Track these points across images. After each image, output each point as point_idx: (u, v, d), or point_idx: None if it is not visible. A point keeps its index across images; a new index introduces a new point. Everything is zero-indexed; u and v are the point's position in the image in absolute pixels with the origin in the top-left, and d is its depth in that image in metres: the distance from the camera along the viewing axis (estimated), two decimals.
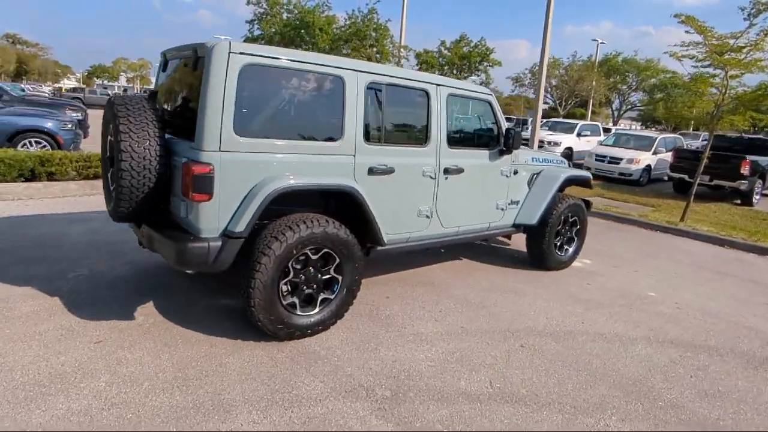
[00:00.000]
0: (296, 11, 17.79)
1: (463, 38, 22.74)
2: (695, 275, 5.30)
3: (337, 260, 3.18)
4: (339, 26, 18.57)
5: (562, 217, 4.86)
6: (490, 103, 4.18)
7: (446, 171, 3.82)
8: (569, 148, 15.95)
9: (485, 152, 4.18)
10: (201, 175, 2.66)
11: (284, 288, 3.05)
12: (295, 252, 2.95)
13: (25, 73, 74.16)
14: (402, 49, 20.67)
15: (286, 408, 2.44)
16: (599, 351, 3.32)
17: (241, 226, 2.78)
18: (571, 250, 5.13)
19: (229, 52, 2.71)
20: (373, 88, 3.33)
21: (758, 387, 3.05)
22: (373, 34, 18.46)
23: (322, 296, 3.20)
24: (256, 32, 18.57)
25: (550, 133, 16.69)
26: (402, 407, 2.53)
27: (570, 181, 5.02)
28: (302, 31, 17.42)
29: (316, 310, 3.18)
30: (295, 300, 3.08)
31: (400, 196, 3.57)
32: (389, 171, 3.44)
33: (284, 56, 2.93)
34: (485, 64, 23.34)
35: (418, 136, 3.70)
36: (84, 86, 57.92)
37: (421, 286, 4.25)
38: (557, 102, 30.42)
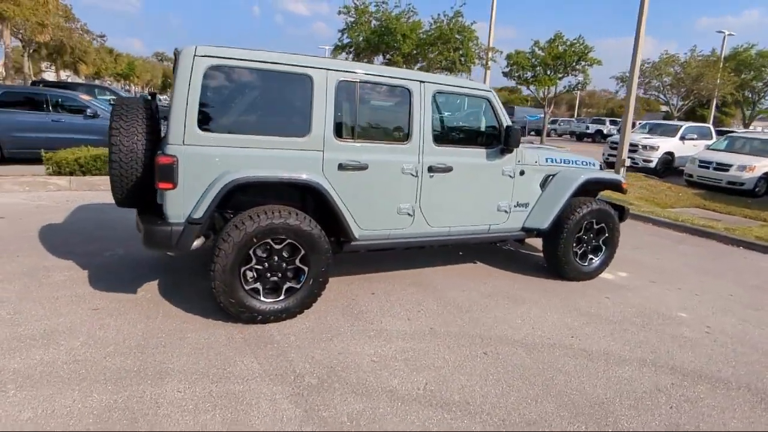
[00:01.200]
0: (383, 19, 18.26)
1: (558, 37, 21.50)
2: (755, 299, 4.49)
3: (302, 251, 3.31)
4: (424, 31, 18.66)
5: (584, 223, 4.46)
6: (488, 100, 4.00)
7: (431, 169, 3.75)
8: (669, 153, 14.27)
9: (481, 151, 4.01)
10: (164, 166, 2.97)
11: (249, 274, 3.25)
12: (255, 240, 3.14)
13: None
14: (490, 51, 20.15)
15: (212, 382, 2.62)
16: (571, 368, 3.02)
17: (199, 213, 3.04)
18: (596, 260, 4.67)
19: (194, 55, 2.99)
20: (345, 86, 3.41)
21: (753, 427, 2.55)
22: (459, 37, 18.22)
23: (287, 285, 3.35)
24: (345, 40, 19.47)
25: (647, 136, 15.08)
26: (319, 396, 2.57)
27: (594, 184, 4.59)
28: (386, 37, 17.82)
29: (281, 298, 3.33)
30: (259, 286, 3.27)
31: (375, 192, 3.59)
32: (362, 167, 3.49)
33: (249, 57, 3.14)
34: (583, 63, 21.82)
35: (398, 133, 3.69)
36: None
37: (415, 287, 4.20)
38: (669, 102, 27.25)
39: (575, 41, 21.14)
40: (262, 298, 3.27)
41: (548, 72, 22.14)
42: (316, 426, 2.33)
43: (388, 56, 19.01)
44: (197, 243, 3.24)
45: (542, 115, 36.20)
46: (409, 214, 3.77)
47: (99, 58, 37.23)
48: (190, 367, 2.76)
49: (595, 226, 4.57)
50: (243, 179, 3.06)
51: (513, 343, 3.29)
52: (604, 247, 4.67)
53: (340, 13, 18.78)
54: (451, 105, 4.08)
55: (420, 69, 19.94)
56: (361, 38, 18.88)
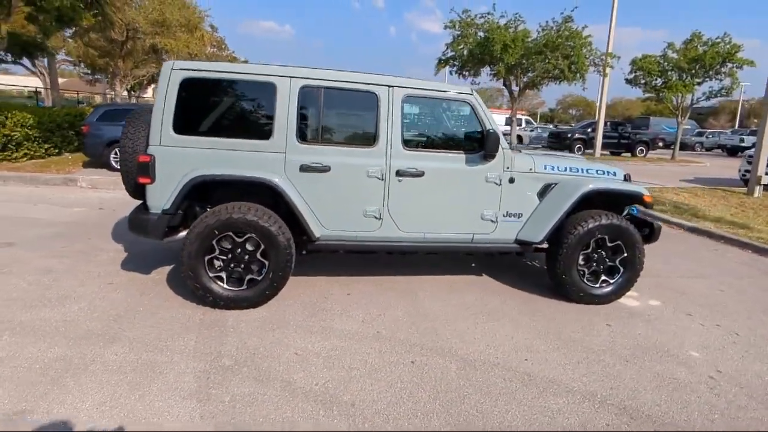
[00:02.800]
0: (488, 30, 17.92)
1: (696, 36, 18.86)
2: None
3: (262, 246, 3.57)
4: (532, 39, 17.84)
5: (593, 240, 3.97)
6: (470, 104, 3.83)
7: (399, 173, 3.73)
8: None
9: (460, 156, 3.85)
10: (143, 163, 3.48)
11: (217, 263, 3.61)
12: (217, 232, 3.49)
13: None
14: (609, 57, 18.47)
15: (147, 351, 2.99)
16: (496, 390, 2.76)
17: (169, 205, 3.49)
18: (612, 282, 4.10)
19: (172, 69, 3.47)
20: (308, 92, 3.60)
21: None
22: (569, 43, 17.06)
23: (249, 276, 3.63)
24: (449, 54, 19.53)
25: None
26: (221, 376, 2.77)
27: (609, 196, 4.06)
28: (488, 48, 17.43)
29: (243, 287, 3.62)
30: (223, 275, 3.61)
31: (337, 194, 3.69)
32: (324, 169, 3.63)
33: (219, 69, 3.53)
34: (730, 65, 18.77)
35: (363, 136, 3.75)
36: None
37: (395, 292, 4.17)
38: None
39: (718, 40, 18.32)
40: (224, 286, 3.60)
41: (683, 77, 19.51)
42: (198, 399, 2.54)
43: (492, 68, 18.62)
44: (183, 234, 3.71)
45: (688, 126, 31.83)
46: (376, 218, 3.79)
47: None
48: (141, 337, 3.18)
49: (609, 244, 4.03)
50: (203, 176, 3.44)
51: (452, 357, 3.11)
52: (621, 269, 4.09)
53: (446, 27, 18.95)
54: (426, 109, 4.00)
55: (529, 79, 19.14)
56: (465, 51, 18.80)
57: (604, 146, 22.04)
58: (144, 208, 3.70)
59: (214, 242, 3.52)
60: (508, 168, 3.93)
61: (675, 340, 3.53)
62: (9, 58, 13.20)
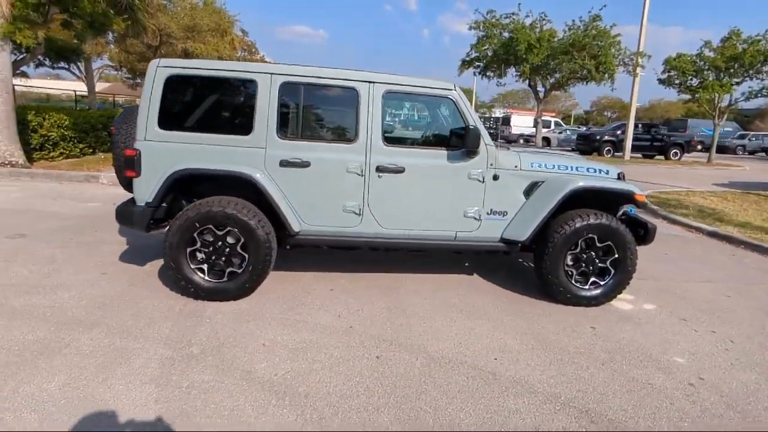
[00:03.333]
0: (513, 30, 17.64)
1: (735, 34, 17.99)
2: None
3: (242, 240, 3.63)
4: (558, 39, 17.45)
5: (581, 240, 3.85)
6: (452, 100, 3.78)
7: (379, 169, 3.72)
8: None
9: (442, 152, 3.80)
10: (129, 157, 3.60)
11: (199, 256, 3.69)
12: (198, 225, 3.57)
13: None
14: (639, 57, 17.86)
15: (121, 338, 3.08)
16: (456, 388, 2.71)
17: (152, 198, 3.60)
18: (602, 284, 3.95)
19: (157, 66, 3.58)
20: (289, 89, 3.64)
21: None
22: (599, 42, 16.59)
23: (230, 269, 3.70)
24: (473, 55, 19.32)
25: None
26: (185, 363, 2.83)
27: (601, 195, 3.92)
28: (512, 49, 17.14)
29: (224, 280, 3.69)
30: (204, 267, 3.69)
31: (317, 189, 3.72)
32: (304, 164, 3.66)
33: (202, 66, 3.62)
34: None
35: (344, 132, 3.76)
36: None
37: (379, 289, 4.15)
38: None
39: (759, 37, 17.43)
40: (206, 277, 3.68)
41: (721, 77, 18.66)
42: (157, 384, 2.60)
43: (517, 69, 18.33)
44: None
45: (730, 129, 30.40)
46: (356, 213, 3.79)
47: None
48: (119, 324, 3.29)
49: (599, 244, 3.89)
50: (183, 170, 3.53)
51: (419, 354, 3.08)
52: (612, 270, 3.94)
53: (470, 28, 18.80)
54: (408, 105, 3.96)
55: (555, 80, 18.73)
56: (489, 52, 18.59)
57: (636, 149, 21.30)
58: (132, 200, 3.83)
59: (195, 235, 3.61)
60: (491, 165, 3.86)
61: (661, 345, 3.37)
62: (47, 62, 13.96)
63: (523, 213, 3.91)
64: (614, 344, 3.35)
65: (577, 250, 3.90)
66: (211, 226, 3.60)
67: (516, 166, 3.91)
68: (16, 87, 18.96)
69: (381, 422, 2.39)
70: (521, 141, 28.97)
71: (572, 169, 4.01)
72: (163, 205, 3.72)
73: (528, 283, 4.44)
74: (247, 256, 3.65)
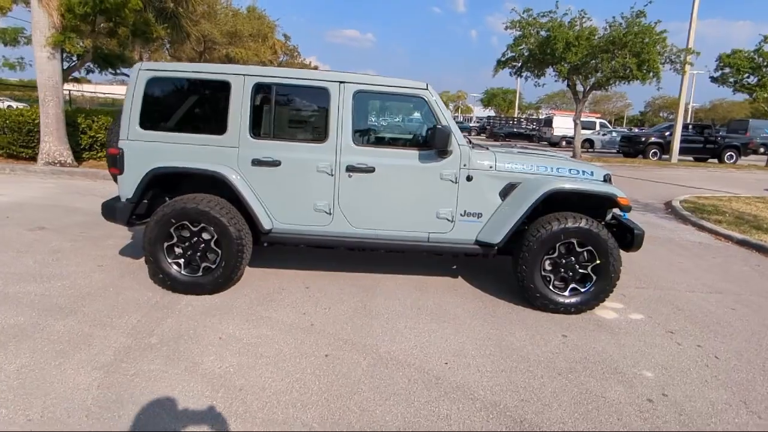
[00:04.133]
0: (550, 28, 17.07)
1: None
2: None
3: (215, 236, 3.74)
4: (598, 36, 16.69)
5: (558, 244, 3.69)
6: (424, 99, 3.72)
7: (349, 169, 3.73)
8: None
9: (413, 152, 3.75)
10: (112, 155, 3.80)
11: (177, 250, 3.84)
12: (173, 221, 3.71)
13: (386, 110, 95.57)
14: (687, 53, 16.80)
15: (91, 325, 3.25)
16: (393, 389, 2.67)
17: (131, 194, 3.78)
18: (582, 291, 3.76)
19: (139, 69, 3.76)
20: (262, 89, 3.72)
21: None
22: (643, 39, 15.71)
23: (204, 264, 3.82)
24: (509, 55, 18.84)
25: None
26: (139, 353, 2.94)
27: (588, 198, 3.74)
28: (548, 48, 16.57)
29: (199, 275, 3.82)
30: (181, 261, 3.83)
31: (288, 188, 3.77)
32: (275, 164, 3.73)
33: (180, 69, 3.77)
34: None
35: (315, 132, 3.80)
36: None
37: (355, 288, 4.15)
38: None
39: None
40: (182, 272, 3.82)
41: None
42: (106, 371, 2.73)
43: (555, 68, 17.73)
44: None
45: None
46: (327, 213, 3.81)
47: None
48: (94, 313, 3.47)
49: (578, 249, 3.71)
50: (159, 168, 3.69)
51: (369, 354, 3.05)
52: (594, 277, 3.74)
53: (507, 28, 18.37)
54: (379, 105, 3.94)
55: (596, 80, 17.96)
56: (525, 52, 18.10)
57: (686, 151, 20.06)
58: (118, 197, 4.04)
59: (171, 230, 3.75)
60: (465, 165, 3.76)
61: (633, 357, 3.17)
62: (96, 69, 14.96)
63: (497, 215, 3.80)
64: (581, 354, 3.18)
65: (555, 254, 3.74)
66: (186, 222, 3.74)
67: (490, 167, 3.79)
68: (72, 92, 20.47)
69: (303, 419, 2.39)
70: (564, 143, 28.00)
71: (552, 171, 3.84)
72: (144, 201, 3.90)
73: (513, 288, 4.29)
74: (220, 252, 3.76)
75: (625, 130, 31.49)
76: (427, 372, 2.88)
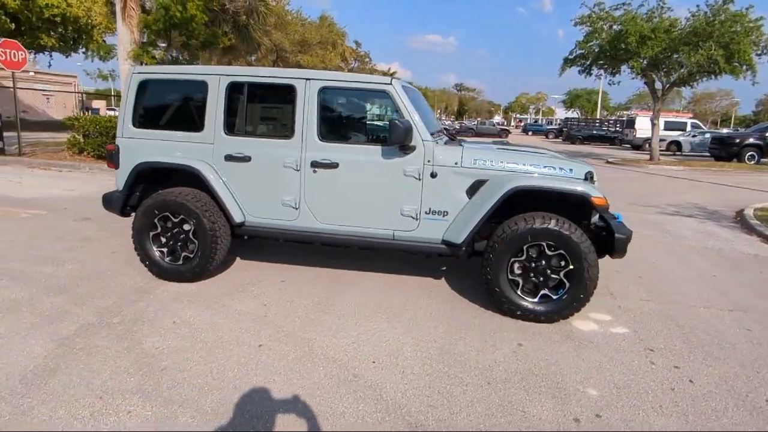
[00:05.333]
0: (624, 21, 15.76)
1: None
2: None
3: (192, 227, 3.97)
4: (679, 28, 15.11)
5: (526, 247, 3.43)
6: (388, 94, 3.64)
7: (314, 164, 3.76)
8: None
9: (376, 148, 3.68)
10: (109, 152, 4.18)
11: (163, 240, 4.13)
12: (156, 212, 4.00)
13: (464, 113, 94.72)
14: None
15: (71, 302, 3.59)
16: (301, 382, 2.65)
17: (121, 186, 4.13)
18: (554, 299, 3.45)
19: (133, 73, 4.10)
20: (235, 88, 3.88)
21: None
22: (734, 28, 13.98)
23: (184, 254, 4.06)
24: (577, 52, 17.66)
25: None
26: (96, 330, 3.19)
27: (562, 196, 3.44)
28: (620, 42, 15.28)
29: (179, 263, 4.07)
30: (164, 250, 4.10)
31: (257, 183, 3.89)
32: (246, 159, 3.87)
33: (167, 71, 4.05)
34: None
35: (282, 128, 3.87)
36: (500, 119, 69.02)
37: (330, 284, 4.16)
38: None
39: None
40: (165, 260, 4.09)
41: None
42: (60, 344, 3.00)
43: (628, 65, 16.39)
44: None
45: None
46: (294, 207, 3.88)
47: None
48: (83, 293, 3.83)
49: (549, 253, 3.42)
50: (144, 163, 3.99)
51: (302, 348, 3.05)
52: (567, 284, 3.42)
53: (576, 24, 17.35)
54: (346, 101, 3.90)
55: (679, 75, 16.35)
56: (595, 48, 16.94)
57: None
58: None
59: (156, 221, 4.04)
60: (429, 161, 3.63)
61: (587, 373, 2.85)
62: None
63: (463, 214, 3.61)
64: (527, 365, 2.92)
65: (524, 257, 3.47)
66: (168, 214, 4.00)
67: (456, 163, 3.62)
68: None
69: (201, 402, 2.46)
70: (647, 146, 25.73)
71: (522, 167, 3.57)
72: (137, 194, 4.24)
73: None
74: (197, 242, 3.98)
75: (725, 131, 28.17)
76: (349, 369, 2.82)
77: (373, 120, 3.98)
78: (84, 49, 26.08)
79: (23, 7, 20.06)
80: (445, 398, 2.56)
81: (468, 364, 2.92)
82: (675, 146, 23.42)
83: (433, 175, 3.64)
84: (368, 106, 3.96)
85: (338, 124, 3.92)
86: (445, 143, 3.86)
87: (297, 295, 3.93)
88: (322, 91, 3.76)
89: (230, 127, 3.93)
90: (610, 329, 3.47)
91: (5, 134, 12.66)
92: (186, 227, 4.01)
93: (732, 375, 2.89)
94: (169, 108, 4.20)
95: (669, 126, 26.48)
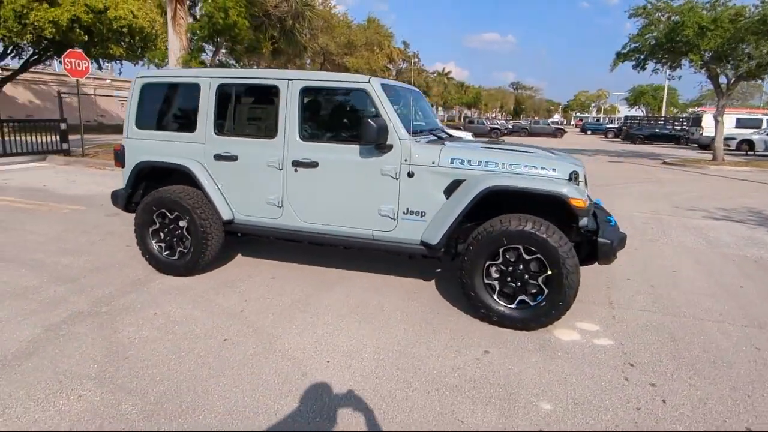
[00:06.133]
0: (683, 11, 14.59)
1: None
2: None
3: (186, 223, 4.14)
4: (746, 17, 13.76)
5: (502, 250, 3.27)
6: (365, 91, 3.60)
7: (295, 164, 3.80)
8: None
9: (354, 147, 3.65)
10: (116, 152, 4.45)
11: (160, 234, 4.33)
12: (154, 208, 4.20)
13: (521, 112, 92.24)
14: None
15: (72, 291, 3.85)
16: (250, 376, 2.68)
17: (125, 184, 4.37)
18: (532, 305, 3.26)
19: (137, 77, 4.34)
20: (225, 90, 3.99)
21: None
22: None
23: (180, 248, 4.24)
24: (630, 46, 16.54)
25: None
26: (84, 317, 3.40)
27: (533, 197, 3.25)
28: (677, 34, 14.13)
29: (175, 257, 4.26)
30: (162, 245, 4.31)
31: (243, 181, 3.99)
32: (233, 158, 3.98)
33: (165, 74, 4.25)
34: None
35: (267, 128, 3.93)
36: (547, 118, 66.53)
37: (317, 283, 4.19)
38: None
39: None
40: (163, 254, 4.30)
41: None
42: (47, 328, 3.24)
43: (688, 58, 15.21)
44: None
45: None
46: (277, 206, 3.93)
47: (446, 91, 44.82)
48: (86, 283, 4.09)
49: (526, 257, 3.24)
50: (142, 162, 4.21)
51: (263, 344, 3.09)
52: (546, 290, 3.22)
53: (630, 16, 16.35)
54: (327, 100, 3.89)
55: (747, 68, 14.95)
56: (651, 41, 15.85)
57: None
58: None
59: (154, 216, 4.25)
60: (405, 161, 3.55)
61: (548, 386, 2.67)
62: None
63: (439, 214, 3.50)
64: (485, 373, 2.79)
65: (500, 261, 3.32)
66: (164, 210, 4.20)
67: (433, 163, 3.52)
68: None
69: (150, 392, 2.55)
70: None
71: (500, 166, 3.40)
72: (140, 191, 4.48)
73: None
74: (190, 238, 4.14)
75: None
76: (301, 367, 2.83)
77: (352, 119, 3.95)
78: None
79: (95, 20, 21.85)
80: (385, 402, 2.50)
81: (423, 369, 2.83)
82: (747, 145, 21.41)
83: (410, 175, 3.56)
84: (348, 105, 3.94)
85: (318, 124, 3.94)
86: (428, 142, 3.76)
87: (280, 292, 3.98)
88: (304, 91, 3.79)
89: (220, 128, 4.06)
90: (594, 340, 3.23)
91: (72, 137, 13.83)
92: (181, 224, 4.18)
93: (716, 397, 2.60)
94: (167, 109, 4.41)
95: (742, 123, 24.32)
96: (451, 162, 3.50)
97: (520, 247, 3.23)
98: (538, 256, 3.20)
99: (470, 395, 2.57)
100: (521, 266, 3.28)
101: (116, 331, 3.25)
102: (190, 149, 4.13)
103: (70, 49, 13.35)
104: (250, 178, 3.99)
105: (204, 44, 14.24)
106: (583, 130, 49.49)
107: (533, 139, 35.96)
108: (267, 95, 3.95)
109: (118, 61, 26.59)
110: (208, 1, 12.57)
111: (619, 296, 4.08)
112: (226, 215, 4.08)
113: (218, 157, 4.03)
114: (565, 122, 77.98)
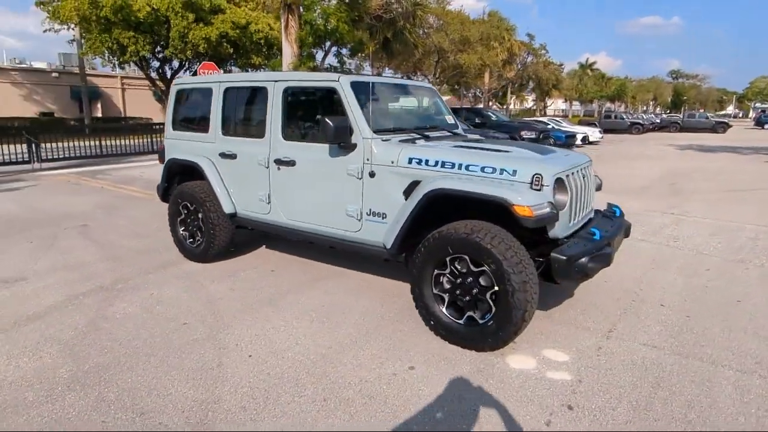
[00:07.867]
0: None
1: None
2: None
3: (201, 214, 4.56)
4: None
5: (448, 259, 2.98)
6: (335, 91, 3.52)
7: (277, 162, 3.92)
8: None
9: (324, 146, 3.60)
10: (159, 151, 5.07)
11: (186, 224, 4.84)
12: (179, 201, 4.72)
13: (682, 104, 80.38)
14: None
15: (85, 275, 4.52)
16: (192, 363, 2.87)
17: (161, 178, 4.96)
18: (480, 323, 2.89)
19: (173, 84, 4.89)
20: (230, 93, 4.29)
21: None
22: None
23: (198, 237, 4.69)
24: None
25: None
26: (95, 293, 3.99)
27: (458, 199, 2.90)
28: None
29: (195, 245, 4.72)
30: (186, 234, 4.81)
31: (240, 178, 4.25)
32: (233, 156, 4.27)
33: (191, 81, 4.70)
34: None
35: (258, 128, 4.11)
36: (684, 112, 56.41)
37: (309, 280, 4.28)
38: None
39: None
40: (187, 241, 4.79)
41: None
42: (66, 296, 3.86)
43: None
44: None
45: None
46: (266, 203, 4.11)
47: (582, 84, 40.96)
48: (128, 262, 4.76)
49: (473, 268, 2.88)
50: (171, 160, 4.74)
51: (217, 332, 3.28)
52: (495, 307, 2.83)
53: None
54: (306, 99, 3.84)
55: None
56: None
57: None
58: None
59: (180, 208, 4.77)
60: (368, 160, 3.41)
61: (429, 415, 2.36)
62: None
63: (396, 217, 3.30)
64: (386, 390, 2.57)
65: (446, 270, 3.01)
66: (186, 202, 4.69)
67: (392, 162, 3.31)
68: None
69: (88, 363, 2.89)
70: None
71: (455, 167, 3.06)
72: (175, 184, 5.05)
73: None
74: (203, 227, 4.57)
75: None
76: (221, 357, 2.95)
77: (315, 117, 3.94)
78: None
79: (240, 35, 24.94)
80: (264, 404, 2.48)
81: (330, 377, 2.72)
82: None
83: (372, 175, 3.42)
84: (323, 105, 3.91)
85: (297, 123, 3.99)
86: (401, 141, 3.57)
87: (268, 284, 4.16)
88: (285, 91, 3.89)
89: (225, 128, 4.39)
90: (547, 373, 2.75)
91: None
92: (200, 215, 4.63)
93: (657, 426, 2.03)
94: (192, 112, 4.89)
95: None
96: (409, 162, 3.28)
97: (466, 256, 2.90)
98: (486, 269, 2.83)
99: (348, 411, 2.41)
100: (470, 279, 2.94)
101: (111, 305, 3.74)
102: (204, 148, 4.54)
103: (204, 62, 15.47)
104: (246, 176, 4.23)
105: (313, 50, 15.32)
106: (759, 124, 41.07)
107: (683, 134, 31.12)
108: (260, 97, 4.14)
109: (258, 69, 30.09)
110: (311, 9, 13.47)
111: (629, 324, 3.39)
112: (228, 209, 4.39)
113: (223, 155, 4.36)
114: (741, 114, 65.64)
